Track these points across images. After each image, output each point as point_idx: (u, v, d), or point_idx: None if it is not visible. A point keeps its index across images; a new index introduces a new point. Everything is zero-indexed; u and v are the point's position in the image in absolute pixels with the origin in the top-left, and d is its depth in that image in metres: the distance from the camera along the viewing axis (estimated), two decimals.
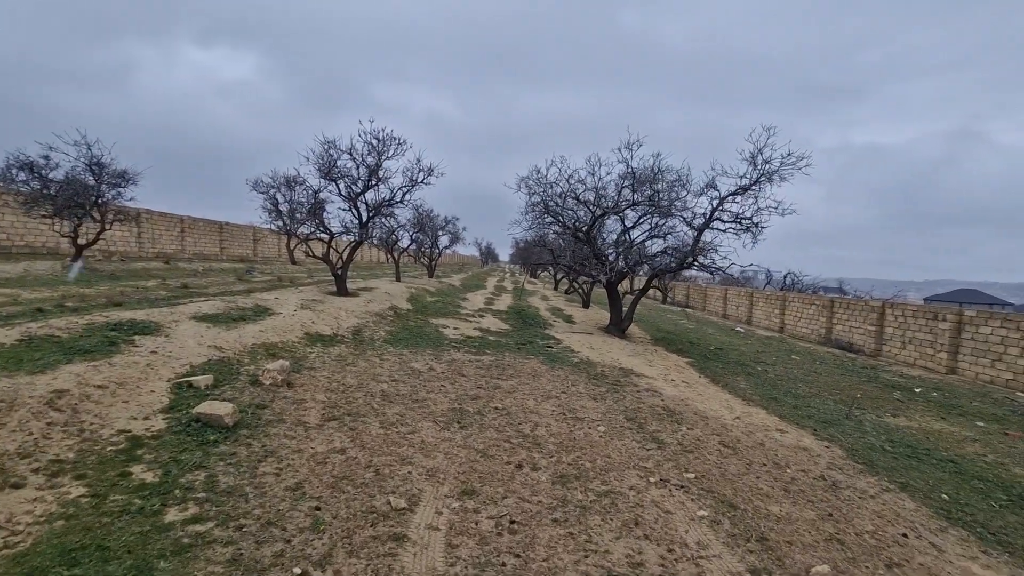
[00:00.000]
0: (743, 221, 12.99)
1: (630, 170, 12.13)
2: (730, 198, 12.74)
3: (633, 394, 7.32)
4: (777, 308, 27.49)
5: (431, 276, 29.88)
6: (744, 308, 31.33)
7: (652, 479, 4.38)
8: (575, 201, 13.10)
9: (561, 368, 8.62)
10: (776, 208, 12.72)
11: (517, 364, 8.56)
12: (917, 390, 11.28)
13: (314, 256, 14.77)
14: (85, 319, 6.65)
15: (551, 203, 13.49)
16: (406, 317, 13.08)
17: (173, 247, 26.20)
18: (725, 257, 12.95)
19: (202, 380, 5.14)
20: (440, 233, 29.90)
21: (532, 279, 54.97)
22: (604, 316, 19.62)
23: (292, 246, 30.34)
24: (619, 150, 12.04)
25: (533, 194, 13.92)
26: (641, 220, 14.30)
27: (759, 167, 12.36)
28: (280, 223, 21.73)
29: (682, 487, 4.28)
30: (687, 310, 32.63)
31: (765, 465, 5.03)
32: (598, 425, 5.69)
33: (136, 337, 6.21)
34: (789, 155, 12.08)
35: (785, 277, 38.45)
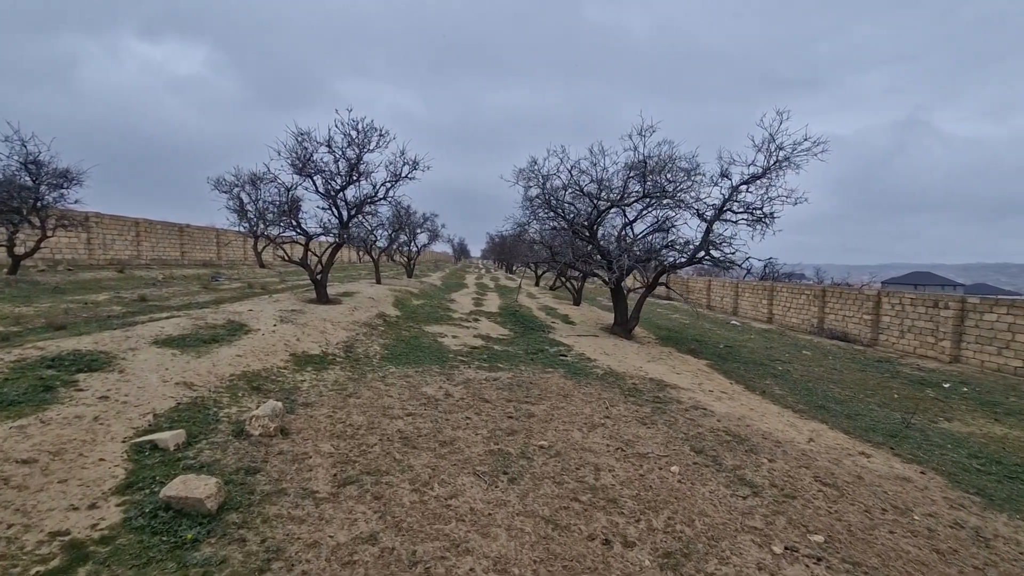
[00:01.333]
0: (755, 211, 12.23)
1: (641, 159, 11.16)
2: (743, 187, 11.95)
3: (682, 414, 6.37)
4: (765, 299, 27.21)
5: (410, 276, 28.50)
6: (729, 299, 31.04)
7: (775, 547, 3.40)
8: (579, 193, 12.08)
9: (588, 383, 7.61)
10: (788, 197, 12.01)
11: (539, 380, 7.50)
12: (946, 385, 10.74)
13: (290, 261, 13.36)
14: (14, 353, 5.27)
15: (551, 197, 12.45)
16: (397, 326, 11.84)
17: (128, 253, 24.12)
18: (736, 251, 12.17)
19: (170, 438, 3.90)
20: (418, 231, 28.52)
21: (510, 274, 53.93)
22: (600, 315, 18.73)
23: (260, 249, 28.45)
24: (629, 137, 11.07)
25: (531, 187, 12.85)
26: (644, 213, 13.42)
27: (773, 153, 11.60)
28: (246, 224, 20.07)
29: (817, 558, 3.32)
30: (671, 302, 32.16)
31: (886, 511, 4.13)
32: (668, 464, 4.69)
33: (81, 376, 4.89)
34: (805, 140, 11.34)
35: (765, 266, 38.65)
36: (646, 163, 11.23)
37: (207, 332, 7.74)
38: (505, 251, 57.88)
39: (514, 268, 58.04)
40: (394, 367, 7.67)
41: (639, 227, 13.69)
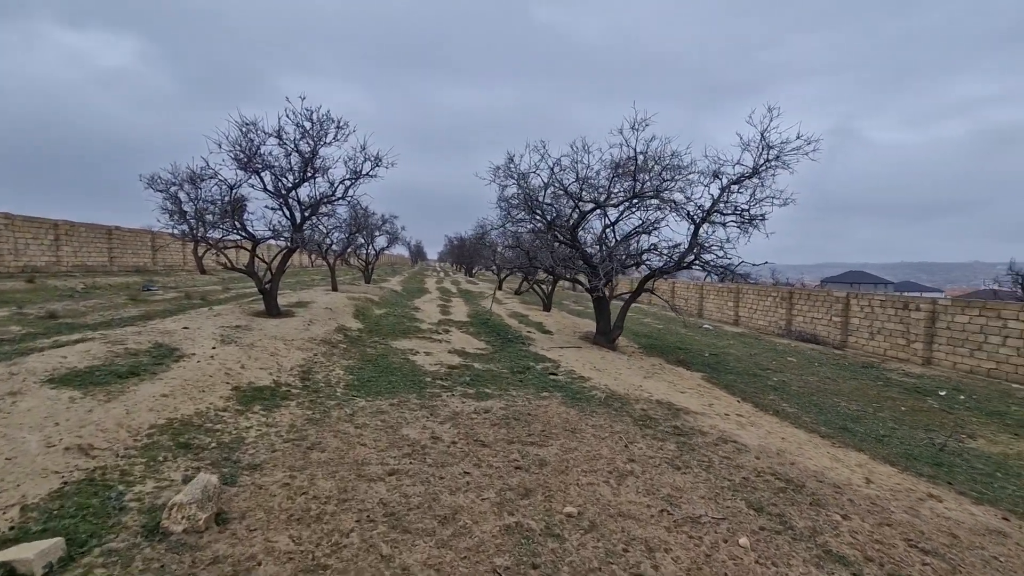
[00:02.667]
0: (743, 213, 11.60)
1: (635, 155, 10.25)
2: (733, 187, 11.28)
3: (712, 450, 5.42)
4: (731, 301, 27.17)
5: (369, 282, 26.80)
6: (694, 300, 30.96)
7: None
8: (562, 193, 11.08)
9: (593, 411, 6.57)
10: (778, 198, 11.45)
11: (537, 411, 6.40)
12: (942, 393, 10.38)
13: (234, 268, 11.71)
14: None
15: (530, 197, 11.38)
16: (361, 341, 10.46)
17: (46, 259, 21.40)
18: (725, 255, 11.49)
19: (37, 556, 2.55)
20: (377, 233, 26.86)
21: (471, 278, 52.62)
22: (575, 321, 17.83)
23: (201, 253, 26.03)
24: (620, 131, 10.13)
25: (508, 185, 11.75)
26: (627, 214, 12.57)
27: (764, 152, 10.99)
28: (184, 227, 17.93)
29: None
30: (638, 304, 31.79)
31: None
32: (732, 532, 3.69)
33: None
34: (798, 138, 10.77)
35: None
36: (636, 160, 10.34)
37: (125, 362, 6.21)
38: (465, 254, 56.54)
39: (474, 271, 56.76)
40: (363, 399, 6.38)
41: (621, 229, 12.84)
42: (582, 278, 12.92)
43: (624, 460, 4.98)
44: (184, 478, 3.72)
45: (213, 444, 4.46)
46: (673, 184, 10.78)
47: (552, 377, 8.54)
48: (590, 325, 17.12)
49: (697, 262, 11.39)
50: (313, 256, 20.31)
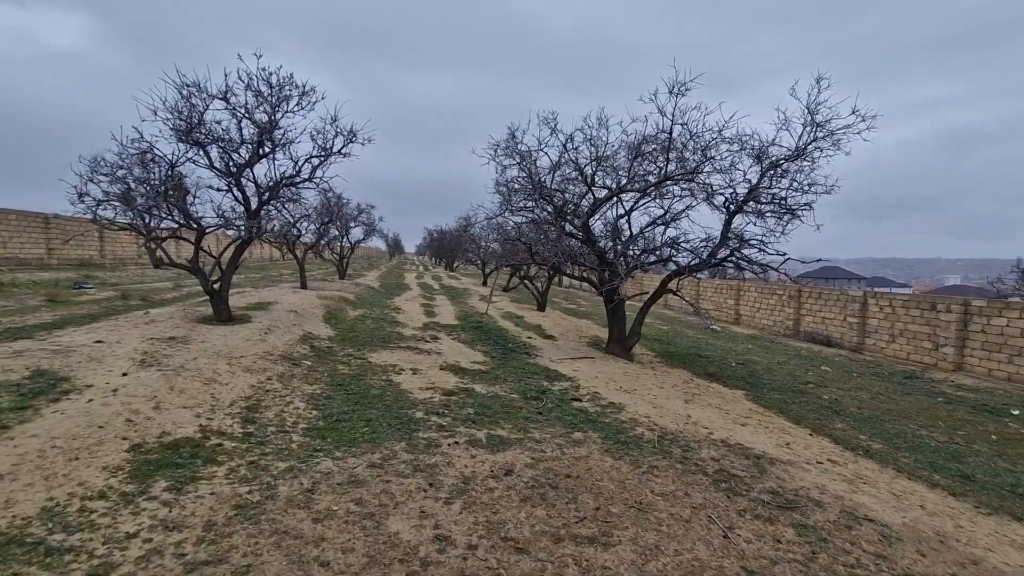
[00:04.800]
0: (781, 201, 9.93)
1: (671, 127, 8.39)
2: (774, 171, 9.58)
3: (854, 546, 3.67)
4: (731, 298, 25.80)
5: (343, 277, 24.57)
6: (690, 297, 29.57)
7: None
8: (578, 176, 9.23)
9: (651, 464, 4.76)
10: (823, 184, 9.81)
11: (575, 466, 4.56)
12: (1015, 411, 8.92)
13: (173, 265, 9.54)
14: None
15: (538, 180, 9.49)
16: (331, 355, 8.47)
17: None
18: (762, 251, 9.80)
19: None
20: (352, 224, 24.60)
21: (452, 272, 50.49)
22: (575, 323, 16.05)
23: (154, 246, 23.38)
24: (653, 96, 8.26)
25: (510, 166, 9.84)
26: (644, 202, 10.77)
27: (812, 130, 9.31)
28: (129, 215, 15.48)
29: None
30: (631, 301, 30.26)
31: None
32: None
33: None
34: (853, 112, 9.10)
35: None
36: (671, 133, 8.51)
37: None
38: (446, 247, 54.28)
39: (456, 265, 54.61)
40: (329, 455, 4.43)
41: (637, 220, 11.07)
42: (594, 276, 11.11)
43: (736, 568, 3.18)
44: None
45: None
46: (708, 165, 9.01)
47: (576, 404, 6.71)
48: (592, 328, 15.37)
49: (732, 258, 9.68)
50: (283, 250, 18.13)
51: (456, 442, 4.97)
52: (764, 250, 9.28)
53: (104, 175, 9.48)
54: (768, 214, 9.92)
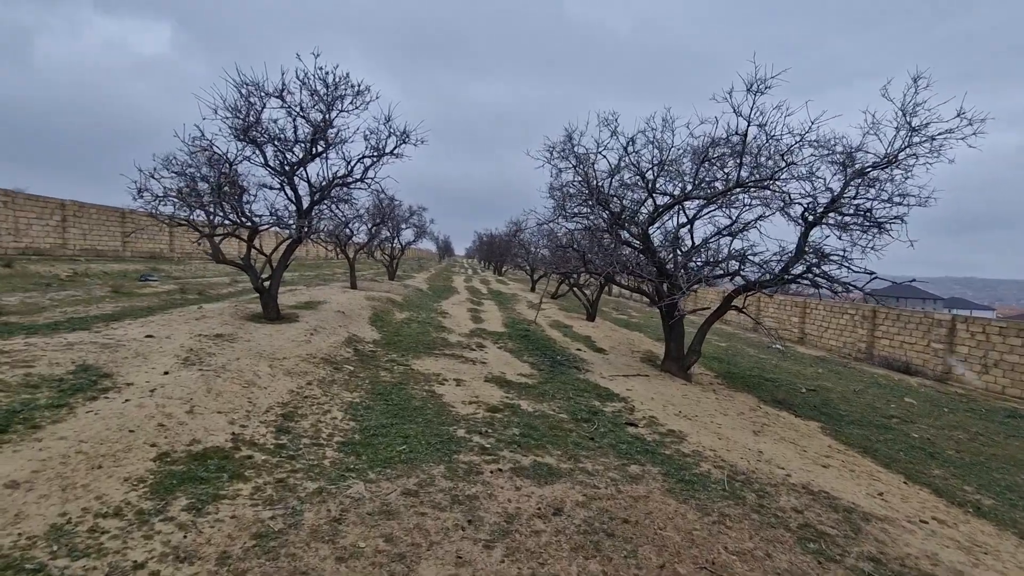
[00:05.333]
0: (867, 213, 8.91)
1: (747, 128, 7.65)
2: (861, 179, 8.60)
3: None
4: (796, 316, 24.13)
5: (392, 278, 24.75)
6: (751, 311, 27.94)
7: None
8: (639, 181, 8.62)
9: (721, 512, 4.12)
10: (917, 195, 8.72)
11: (632, 508, 3.99)
12: None
13: (224, 261, 9.61)
14: None
15: (596, 185, 8.94)
16: (375, 360, 8.22)
17: (50, 240, 19.94)
18: (844, 267, 8.81)
19: None
20: (403, 226, 24.75)
21: (500, 277, 50.35)
22: (626, 335, 15.30)
23: (203, 242, 24.33)
24: (728, 96, 7.56)
25: (565, 170, 9.34)
26: (708, 211, 9.98)
27: (908, 135, 8.29)
28: (185, 211, 16.01)
29: None
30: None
31: None
32: None
33: None
34: (958, 115, 8.02)
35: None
36: (746, 136, 7.75)
37: (6, 402, 4.05)
38: (495, 251, 54.23)
39: (504, 270, 54.46)
40: (362, 477, 4.06)
41: (700, 230, 10.28)
42: (651, 289, 10.41)
43: None
44: None
45: None
46: (786, 171, 8.16)
47: (631, 430, 6.11)
48: (645, 342, 14.59)
49: (809, 275, 8.75)
50: (336, 249, 18.35)
51: (499, 469, 4.50)
52: (848, 267, 8.31)
53: (175, 172, 9.64)
54: (852, 226, 8.94)
